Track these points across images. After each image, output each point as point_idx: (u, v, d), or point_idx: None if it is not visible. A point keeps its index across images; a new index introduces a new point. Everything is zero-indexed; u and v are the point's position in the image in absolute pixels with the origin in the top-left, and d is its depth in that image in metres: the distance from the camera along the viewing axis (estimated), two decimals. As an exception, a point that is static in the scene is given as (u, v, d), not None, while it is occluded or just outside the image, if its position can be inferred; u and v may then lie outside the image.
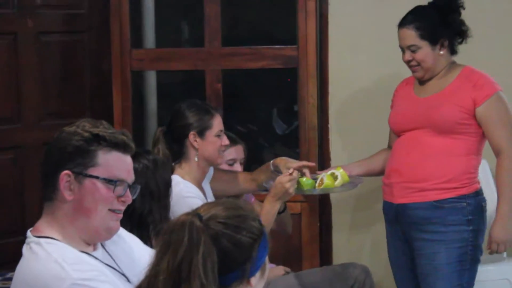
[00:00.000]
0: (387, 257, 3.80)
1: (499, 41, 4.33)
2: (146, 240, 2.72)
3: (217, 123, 3.50)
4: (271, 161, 3.62)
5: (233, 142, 3.71)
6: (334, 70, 4.40)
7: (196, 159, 3.48)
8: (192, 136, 3.47)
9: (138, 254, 2.38)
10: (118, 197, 2.25)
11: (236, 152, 3.76)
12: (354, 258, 4.14)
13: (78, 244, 2.23)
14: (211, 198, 3.59)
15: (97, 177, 2.21)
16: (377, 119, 4.34)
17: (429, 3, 3.60)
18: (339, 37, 4.39)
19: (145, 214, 2.89)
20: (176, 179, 3.40)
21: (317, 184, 3.58)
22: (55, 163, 2.22)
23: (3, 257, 4.36)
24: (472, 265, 3.51)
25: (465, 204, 3.48)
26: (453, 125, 3.47)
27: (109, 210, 2.24)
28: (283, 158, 3.64)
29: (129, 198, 2.28)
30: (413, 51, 3.53)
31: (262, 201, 3.49)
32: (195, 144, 3.47)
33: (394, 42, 4.03)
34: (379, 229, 4.41)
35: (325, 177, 3.57)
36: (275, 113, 5.19)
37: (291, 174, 3.39)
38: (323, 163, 4.39)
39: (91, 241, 2.27)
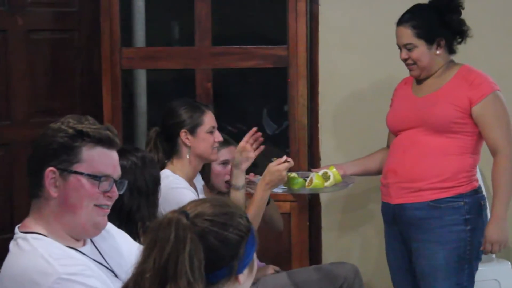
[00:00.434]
0: (376, 257, 3.81)
1: (499, 41, 4.33)
2: (134, 236, 2.72)
3: (208, 119, 3.52)
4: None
5: (225, 143, 3.71)
6: (324, 70, 4.41)
7: (188, 156, 3.49)
8: (183, 133, 3.49)
9: (127, 250, 2.39)
10: (104, 192, 2.25)
11: (229, 153, 3.76)
12: (343, 258, 4.14)
13: (66, 240, 2.24)
14: (202, 195, 3.60)
15: (81, 173, 2.22)
16: (368, 119, 4.36)
17: (429, 1, 3.59)
18: (329, 37, 4.39)
19: (133, 211, 2.91)
20: (165, 172, 3.44)
21: (306, 184, 3.58)
22: (40, 160, 2.23)
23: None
24: (471, 264, 3.50)
25: (462, 203, 3.47)
26: (449, 124, 3.46)
27: (95, 205, 2.25)
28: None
29: (115, 193, 2.28)
30: (409, 50, 3.52)
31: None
32: (186, 141, 3.49)
33: (385, 42, 4.05)
34: (369, 229, 4.43)
35: (314, 176, 3.57)
36: (265, 112, 5.19)
37: (285, 161, 3.40)
38: (313, 162, 4.40)
39: (79, 237, 2.27)
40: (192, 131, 3.50)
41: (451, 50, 3.56)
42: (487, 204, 3.57)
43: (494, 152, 3.47)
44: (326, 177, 3.59)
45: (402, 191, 3.52)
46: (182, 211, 1.86)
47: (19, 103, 4.68)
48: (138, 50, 4.66)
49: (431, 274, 3.49)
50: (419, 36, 3.49)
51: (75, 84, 4.86)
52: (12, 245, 2.24)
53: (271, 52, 4.39)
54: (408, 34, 3.51)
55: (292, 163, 3.46)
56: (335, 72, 4.40)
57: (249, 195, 3.60)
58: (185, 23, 4.92)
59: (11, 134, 4.65)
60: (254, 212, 3.37)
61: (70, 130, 2.23)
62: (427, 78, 3.57)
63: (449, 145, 3.47)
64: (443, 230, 3.46)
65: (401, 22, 3.54)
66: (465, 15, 3.56)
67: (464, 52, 3.62)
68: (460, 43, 3.56)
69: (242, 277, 1.88)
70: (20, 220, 2.32)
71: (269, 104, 5.20)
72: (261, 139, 3.55)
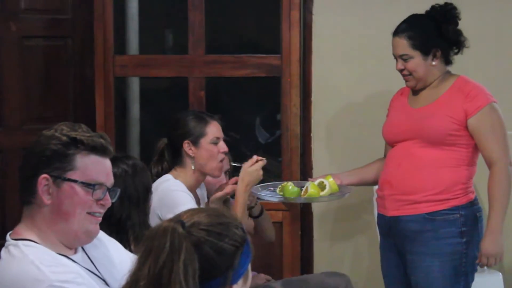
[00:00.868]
0: (368, 267, 3.81)
1: (495, 52, 4.33)
2: (125, 244, 2.72)
3: (212, 130, 3.52)
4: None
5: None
6: (317, 79, 4.41)
7: (192, 167, 3.50)
8: (186, 144, 3.49)
9: (119, 259, 2.38)
10: (97, 200, 2.25)
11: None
12: (335, 268, 4.14)
13: (58, 247, 2.24)
14: (204, 205, 3.62)
15: (75, 181, 2.22)
16: (360, 128, 4.37)
17: (425, 12, 3.55)
18: (323, 46, 4.40)
19: (123, 219, 2.90)
20: (166, 177, 3.47)
21: (302, 193, 3.58)
22: (33, 167, 2.22)
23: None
24: (467, 276, 3.48)
25: (458, 215, 3.44)
26: (445, 137, 3.43)
27: (88, 213, 2.25)
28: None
29: (108, 201, 2.28)
30: (405, 60, 3.49)
31: None
32: (190, 152, 3.49)
33: (378, 52, 4.06)
34: (361, 240, 4.44)
35: (309, 185, 3.57)
36: (258, 121, 5.19)
37: (257, 161, 3.45)
38: (306, 172, 4.40)
39: (71, 244, 2.27)
40: (195, 142, 3.50)
41: (448, 61, 3.53)
42: (483, 215, 3.56)
43: (490, 164, 3.45)
44: (322, 186, 3.58)
45: (398, 203, 3.50)
46: (178, 220, 1.86)
47: (12, 109, 4.68)
48: (132, 57, 4.65)
49: (427, 287, 3.47)
50: (415, 47, 3.47)
51: (68, 91, 4.86)
52: (3, 252, 2.23)
53: (265, 61, 4.40)
54: (404, 45, 3.48)
55: (265, 160, 3.49)
56: (328, 81, 4.41)
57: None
58: (178, 31, 4.92)
59: (3, 141, 4.65)
60: (240, 214, 3.38)
61: (64, 138, 2.23)
62: (423, 89, 3.54)
63: (445, 157, 3.45)
64: (438, 242, 3.43)
65: (397, 32, 3.51)
66: (461, 25, 3.54)
67: (460, 62, 3.60)
68: (456, 53, 3.54)
69: (236, 287, 1.88)
70: (12, 227, 2.31)
71: (262, 113, 5.21)
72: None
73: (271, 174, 4.77)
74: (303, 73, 4.42)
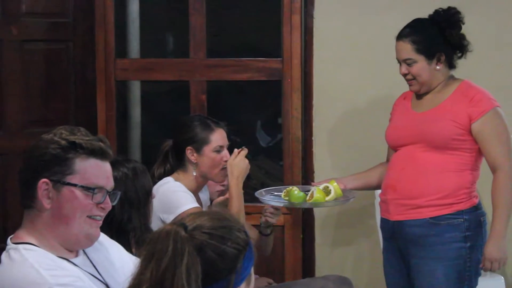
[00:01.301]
0: (370, 271, 3.80)
1: (498, 56, 4.33)
2: (126, 247, 2.71)
3: (217, 138, 3.52)
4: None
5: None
6: (319, 83, 4.41)
7: (194, 173, 3.50)
8: (189, 150, 3.49)
9: (120, 262, 2.38)
10: (97, 204, 2.25)
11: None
12: (336, 272, 4.13)
13: (58, 251, 2.24)
14: (206, 208, 3.62)
15: (75, 185, 2.22)
16: (362, 132, 4.36)
17: (429, 16, 3.53)
18: (324, 50, 4.40)
19: (124, 222, 2.90)
20: (167, 179, 3.47)
21: (307, 198, 3.57)
22: (33, 172, 2.22)
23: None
24: (471, 280, 3.47)
25: (462, 220, 3.43)
26: (448, 141, 3.42)
27: (88, 217, 2.25)
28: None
29: (108, 204, 2.28)
30: (409, 65, 3.48)
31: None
32: (192, 158, 3.49)
33: (379, 56, 4.06)
34: (363, 244, 4.43)
35: (315, 190, 3.56)
36: (259, 125, 5.19)
37: (239, 152, 3.46)
38: (307, 176, 4.40)
39: (72, 248, 2.27)
40: (198, 149, 3.50)
41: (451, 65, 3.52)
42: (486, 220, 3.55)
43: (493, 169, 3.43)
44: (327, 191, 3.57)
45: (401, 208, 3.49)
46: (181, 223, 1.86)
47: (13, 113, 4.68)
48: (133, 61, 4.65)
49: None
50: (419, 51, 3.45)
51: (69, 95, 4.86)
52: (3, 257, 2.23)
53: (266, 65, 4.40)
54: (407, 49, 3.47)
55: (246, 150, 3.49)
56: (329, 85, 4.40)
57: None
58: (179, 35, 4.92)
59: (4, 144, 4.64)
60: (237, 208, 3.38)
61: (63, 142, 2.22)
62: (426, 93, 3.53)
63: (449, 161, 3.44)
64: (442, 247, 3.42)
65: (400, 36, 3.50)
66: (465, 29, 3.52)
67: (464, 67, 3.58)
68: (460, 58, 3.53)
69: (239, 291, 1.88)
70: (14, 230, 2.31)
71: (263, 117, 5.21)
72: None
73: (273, 178, 4.78)
74: (305, 76, 4.42)
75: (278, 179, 4.57)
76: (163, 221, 3.31)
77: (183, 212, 3.27)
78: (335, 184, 3.59)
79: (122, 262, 2.38)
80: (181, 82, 4.54)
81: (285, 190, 3.66)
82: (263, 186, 4.32)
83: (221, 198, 3.58)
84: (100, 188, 2.25)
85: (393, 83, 3.83)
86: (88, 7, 4.63)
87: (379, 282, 3.83)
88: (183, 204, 3.33)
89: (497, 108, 3.44)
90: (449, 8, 3.52)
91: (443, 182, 3.43)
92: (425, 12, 3.55)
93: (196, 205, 3.38)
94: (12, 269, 2.17)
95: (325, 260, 4.46)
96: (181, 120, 3.61)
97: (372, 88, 4.36)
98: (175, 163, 3.57)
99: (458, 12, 3.50)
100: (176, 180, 3.48)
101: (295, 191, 3.57)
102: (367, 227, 4.38)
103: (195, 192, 3.54)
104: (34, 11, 4.75)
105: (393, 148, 3.62)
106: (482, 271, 3.52)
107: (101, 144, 2.27)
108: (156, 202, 3.13)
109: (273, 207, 3.69)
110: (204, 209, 3.59)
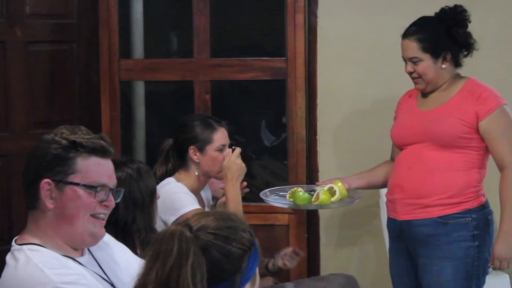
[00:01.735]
0: (375, 271, 3.79)
1: (504, 54, 4.32)
2: (131, 248, 2.72)
3: (219, 137, 3.52)
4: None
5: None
6: (323, 82, 4.41)
7: (196, 172, 3.50)
8: (191, 150, 3.49)
9: (125, 263, 2.39)
10: (101, 202, 2.26)
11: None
12: (341, 271, 4.13)
13: (64, 250, 2.24)
14: (209, 207, 3.62)
15: (77, 184, 2.22)
16: (366, 131, 4.36)
17: (435, 14, 3.51)
18: (328, 49, 4.40)
19: (129, 223, 2.90)
20: (168, 180, 3.47)
21: (313, 199, 3.56)
22: (35, 172, 2.23)
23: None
24: (479, 279, 3.46)
25: (470, 219, 3.41)
26: (455, 139, 3.40)
27: (92, 215, 2.25)
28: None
29: (112, 202, 2.29)
30: (415, 63, 3.46)
31: None
32: (194, 158, 3.49)
33: (383, 55, 4.06)
34: (367, 244, 4.43)
35: (321, 191, 3.55)
36: (264, 124, 5.19)
37: (232, 151, 3.44)
38: (311, 175, 4.40)
39: (77, 246, 2.28)
40: (201, 148, 3.50)
41: (457, 64, 3.50)
42: (494, 218, 3.54)
43: (501, 167, 3.42)
44: (332, 192, 3.56)
45: (409, 207, 3.47)
46: (186, 223, 1.86)
47: (18, 114, 4.68)
48: (137, 62, 4.66)
49: None
50: (425, 49, 3.43)
51: (74, 96, 4.86)
52: (8, 258, 2.24)
53: (270, 64, 4.40)
54: (413, 48, 3.45)
55: (239, 148, 3.47)
56: (334, 84, 4.40)
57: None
58: (183, 35, 4.93)
59: (9, 146, 4.65)
60: (234, 209, 3.37)
61: (64, 141, 2.23)
62: (432, 91, 3.51)
63: (456, 160, 3.42)
64: (451, 246, 3.41)
65: (406, 35, 3.48)
66: (471, 28, 3.51)
67: (470, 65, 3.57)
68: (466, 56, 3.51)
69: (244, 291, 1.89)
70: (19, 231, 2.32)
71: (268, 116, 5.20)
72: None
73: (278, 177, 4.77)
74: (309, 76, 4.42)
75: (282, 179, 4.57)
76: (164, 222, 3.31)
77: (185, 214, 3.28)
78: (340, 184, 3.58)
79: (127, 262, 2.39)
80: (185, 82, 4.55)
81: (290, 191, 3.65)
82: (267, 185, 4.32)
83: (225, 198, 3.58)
84: (103, 186, 2.25)
85: (398, 81, 3.82)
86: (92, 8, 4.64)
87: (385, 282, 3.83)
88: (184, 206, 3.33)
89: (504, 106, 3.43)
90: (456, 6, 3.49)
91: (451, 181, 3.42)
92: (429, 10, 3.54)
93: (198, 206, 3.38)
94: (16, 269, 2.17)
95: (330, 260, 4.47)
96: (182, 119, 3.60)
97: (376, 86, 4.35)
98: (176, 163, 3.57)
99: (465, 10, 3.48)
100: (178, 180, 3.49)
101: (300, 192, 3.56)
102: (372, 226, 4.38)
103: (197, 191, 3.54)
104: (38, 13, 4.75)
105: (399, 146, 3.60)
106: (489, 270, 3.52)
107: (102, 142, 2.27)
108: (158, 203, 3.13)
109: (293, 251, 3.69)
110: (206, 206, 3.60)
